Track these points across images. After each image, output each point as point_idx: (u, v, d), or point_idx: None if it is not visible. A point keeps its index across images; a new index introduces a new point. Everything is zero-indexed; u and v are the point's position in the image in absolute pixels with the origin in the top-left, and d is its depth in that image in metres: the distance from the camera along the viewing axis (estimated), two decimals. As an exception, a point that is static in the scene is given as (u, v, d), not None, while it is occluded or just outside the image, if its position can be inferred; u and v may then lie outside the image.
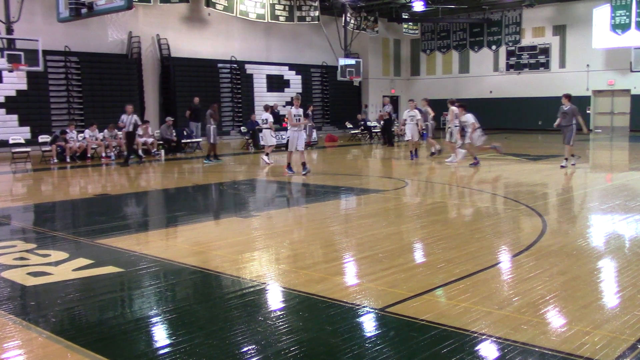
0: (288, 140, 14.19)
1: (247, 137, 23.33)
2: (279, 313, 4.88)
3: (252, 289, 5.49)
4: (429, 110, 18.65)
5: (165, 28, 26.54)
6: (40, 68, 19.47)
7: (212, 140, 17.87)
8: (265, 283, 5.65)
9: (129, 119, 16.96)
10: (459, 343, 4.07)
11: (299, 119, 14.15)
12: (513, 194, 10.82)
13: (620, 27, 27.47)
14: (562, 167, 14.60)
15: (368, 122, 27.96)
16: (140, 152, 18.76)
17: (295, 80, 31.66)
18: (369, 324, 4.61)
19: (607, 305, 4.94)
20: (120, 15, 22.29)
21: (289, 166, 14.33)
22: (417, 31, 35.69)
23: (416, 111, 17.93)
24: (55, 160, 18.31)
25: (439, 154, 18.09)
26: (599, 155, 20.77)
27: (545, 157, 18.13)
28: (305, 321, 4.63)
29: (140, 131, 19.04)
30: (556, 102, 31.39)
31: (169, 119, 21.68)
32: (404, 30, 34.86)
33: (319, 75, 33.41)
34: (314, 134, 24.33)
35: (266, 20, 27.91)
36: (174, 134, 21.37)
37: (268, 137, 17.57)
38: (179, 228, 8.69)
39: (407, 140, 18.43)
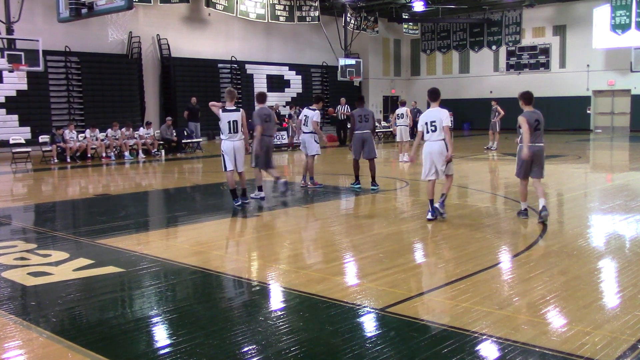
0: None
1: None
2: (279, 313, 4.88)
3: (252, 289, 5.49)
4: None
5: (166, 28, 26.54)
6: (40, 68, 19.49)
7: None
8: (265, 283, 5.65)
9: None
10: (459, 343, 4.07)
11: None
12: (513, 194, 10.80)
13: (620, 27, 27.46)
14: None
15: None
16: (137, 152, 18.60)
17: (296, 81, 31.64)
18: (369, 324, 4.61)
19: (607, 305, 4.94)
20: (121, 15, 22.21)
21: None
22: (417, 31, 35.67)
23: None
24: (56, 160, 18.31)
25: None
26: (599, 155, 20.76)
27: (544, 157, 18.05)
28: (305, 321, 4.63)
29: None
30: (557, 102, 31.99)
31: (169, 119, 21.75)
32: (404, 30, 34.84)
33: (319, 75, 33.38)
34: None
35: (266, 20, 27.93)
36: (174, 134, 21.42)
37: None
38: (179, 228, 8.70)
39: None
